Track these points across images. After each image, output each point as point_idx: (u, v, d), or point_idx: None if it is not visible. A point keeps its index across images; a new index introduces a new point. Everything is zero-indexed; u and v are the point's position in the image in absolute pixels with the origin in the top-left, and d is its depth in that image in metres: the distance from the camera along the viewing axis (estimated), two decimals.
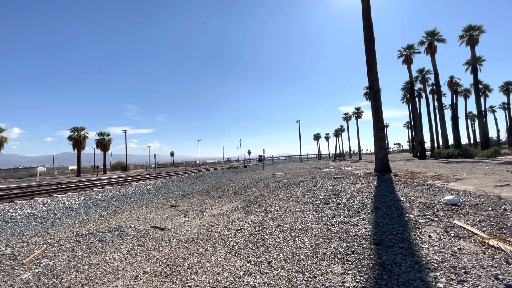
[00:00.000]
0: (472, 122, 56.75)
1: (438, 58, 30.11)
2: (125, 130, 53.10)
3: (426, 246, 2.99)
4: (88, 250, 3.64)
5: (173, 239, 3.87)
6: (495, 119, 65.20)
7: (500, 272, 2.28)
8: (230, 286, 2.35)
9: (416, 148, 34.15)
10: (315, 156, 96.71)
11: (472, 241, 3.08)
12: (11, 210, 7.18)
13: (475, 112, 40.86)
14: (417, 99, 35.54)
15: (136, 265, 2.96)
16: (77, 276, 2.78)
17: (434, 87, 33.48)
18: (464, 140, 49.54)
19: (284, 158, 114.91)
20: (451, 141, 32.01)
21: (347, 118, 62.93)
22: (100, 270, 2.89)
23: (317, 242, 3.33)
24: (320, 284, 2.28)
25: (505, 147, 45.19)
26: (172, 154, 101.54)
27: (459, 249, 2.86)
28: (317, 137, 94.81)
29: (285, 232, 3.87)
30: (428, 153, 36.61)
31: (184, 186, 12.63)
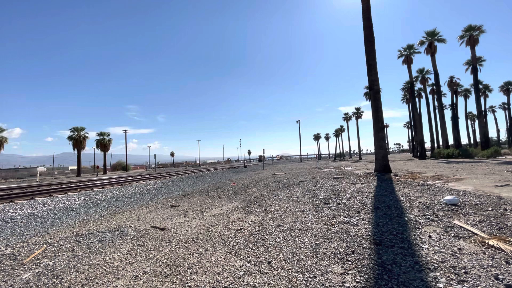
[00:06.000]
0: (472, 122, 56.77)
1: (438, 58, 30.15)
2: (125, 130, 53.14)
3: (426, 246, 2.99)
4: (88, 250, 3.63)
5: (173, 239, 3.87)
6: (495, 119, 65.34)
7: (500, 272, 2.28)
8: (230, 286, 2.34)
9: (416, 148, 34.15)
10: (315, 156, 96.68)
11: (472, 241, 3.08)
12: (11, 210, 7.18)
13: (475, 112, 40.90)
14: (417, 99, 35.55)
15: (136, 265, 2.96)
16: (77, 276, 2.78)
17: (434, 87, 33.50)
18: (464, 140, 49.59)
19: (278, 158, 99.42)
20: (451, 141, 32.02)
21: (347, 118, 62.97)
22: (100, 270, 2.89)
23: (317, 242, 3.33)
24: (320, 284, 2.28)
25: (505, 147, 45.19)
26: (172, 154, 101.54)
27: (459, 249, 2.86)
28: (317, 137, 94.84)
29: (285, 232, 3.87)
30: (428, 153, 36.61)
31: (184, 186, 12.63)
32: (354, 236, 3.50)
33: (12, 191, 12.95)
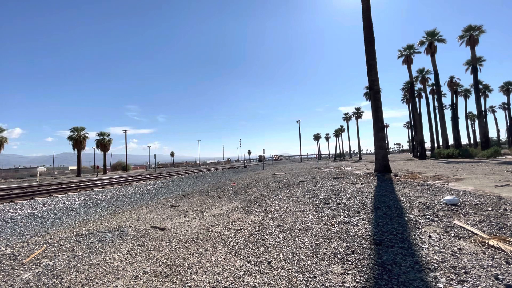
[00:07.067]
0: (472, 122, 56.75)
1: (438, 58, 30.12)
2: (125, 130, 53.12)
3: (426, 246, 2.99)
4: (88, 250, 3.63)
5: (173, 239, 3.87)
6: (495, 119, 65.32)
7: (500, 272, 2.28)
8: (230, 286, 2.35)
9: (416, 148, 34.15)
10: (315, 156, 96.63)
11: (472, 241, 3.08)
12: (11, 210, 7.18)
13: (475, 112, 40.89)
14: (417, 99, 35.55)
15: (136, 265, 2.96)
16: (77, 276, 2.78)
17: (434, 87, 33.47)
18: (464, 140, 49.51)
19: (275, 158, 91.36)
20: (451, 141, 32.00)
21: (347, 118, 62.99)
22: (100, 270, 2.89)
23: (317, 242, 3.33)
24: (320, 284, 2.28)
25: (505, 147, 45.14)
26: (172, 154, 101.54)
27: (459, 249, 2.86)
28: (317, 137, 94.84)
29: (285, 232, 3.87)
30: (428, 153, 36.61)
31: (184, 186, 12.62)
32: (354, 236, 3.50)
33: (12, 191, 12.95)
